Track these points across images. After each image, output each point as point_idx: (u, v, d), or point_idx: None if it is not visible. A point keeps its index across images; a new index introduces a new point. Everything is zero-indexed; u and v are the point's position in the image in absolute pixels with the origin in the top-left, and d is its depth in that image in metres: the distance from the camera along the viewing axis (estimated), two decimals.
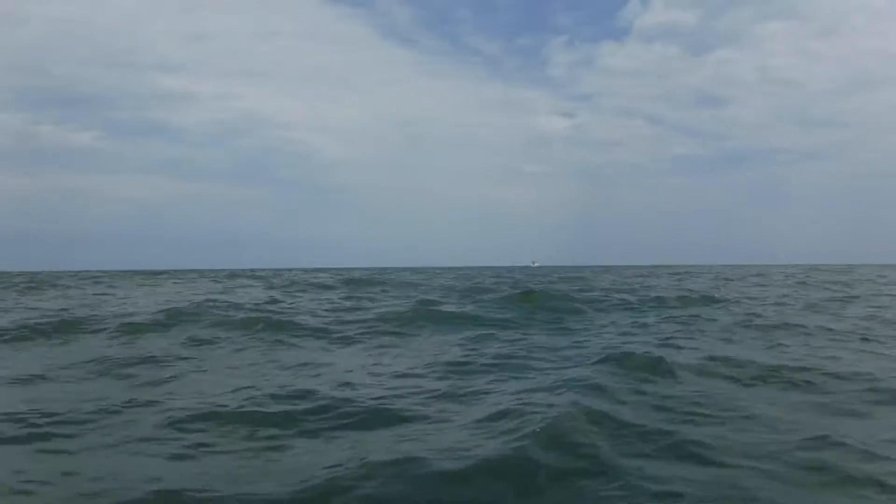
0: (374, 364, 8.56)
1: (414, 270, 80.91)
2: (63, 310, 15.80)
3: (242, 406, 5.84)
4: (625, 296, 19.87)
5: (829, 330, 11.48)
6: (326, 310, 16.54)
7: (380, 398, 6.24)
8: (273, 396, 6.21)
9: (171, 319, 12.47)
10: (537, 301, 17.02)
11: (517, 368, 7.93)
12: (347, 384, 6.95)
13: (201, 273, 63.49)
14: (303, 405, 5.85)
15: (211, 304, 15.80)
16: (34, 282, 36.61)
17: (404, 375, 7.61)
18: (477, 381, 7.11)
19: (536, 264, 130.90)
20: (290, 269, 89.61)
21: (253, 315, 13.34)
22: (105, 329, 11.52)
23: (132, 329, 11.39)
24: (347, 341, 10.74)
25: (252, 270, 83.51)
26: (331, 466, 4.15)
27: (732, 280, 36.04)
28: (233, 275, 53.52)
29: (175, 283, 36.15)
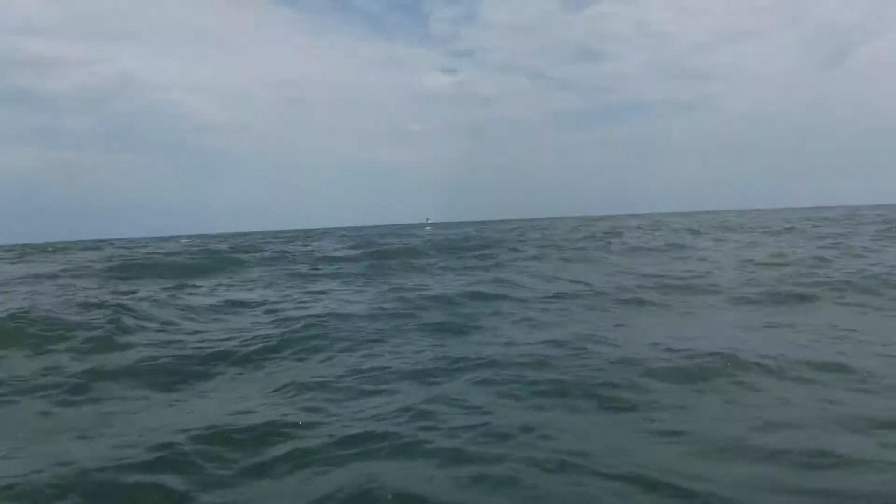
0: None
1: (294, 233, 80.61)
2: None
3: None
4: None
5: None
6: None
7: None
8: None
9: None
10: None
11: None
12: None
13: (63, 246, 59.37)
14: None
15: None
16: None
17: None
18: None
19: (430, 221, 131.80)
20: (169, 238, 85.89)
21: None
22: None
23: None
24: None
25: (114, 240, 79.26)
26: None
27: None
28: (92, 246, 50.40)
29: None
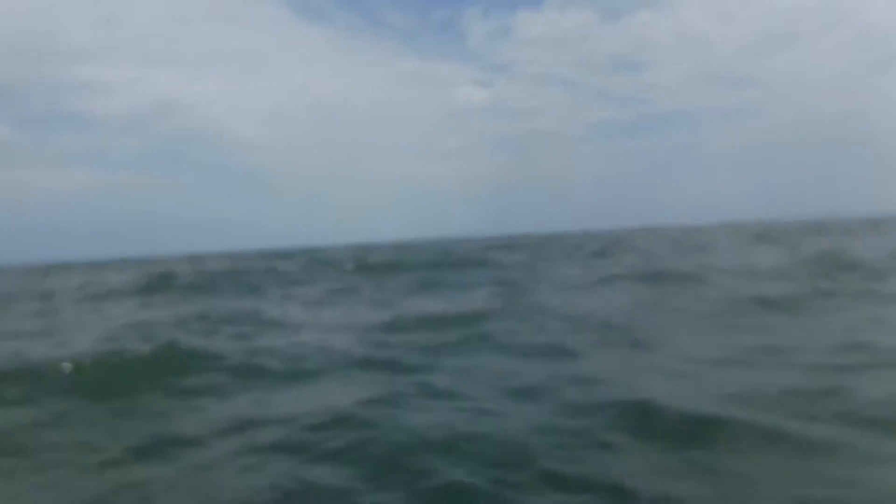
0: None
1: (331, 248, 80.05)
2: None
3: None
4: None
5: None
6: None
7: None
8: None
9: None
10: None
11: None
12: None
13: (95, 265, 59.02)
14: None
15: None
16: None
17: None
18: None
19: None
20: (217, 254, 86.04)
21: None
22: None
23: None
24: None
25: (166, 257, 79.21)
26: None
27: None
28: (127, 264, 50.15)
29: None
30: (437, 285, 17.15)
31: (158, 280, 22.43)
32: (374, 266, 25.52)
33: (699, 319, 9.64)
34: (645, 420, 4.76)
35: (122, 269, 40.52)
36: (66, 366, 7.26)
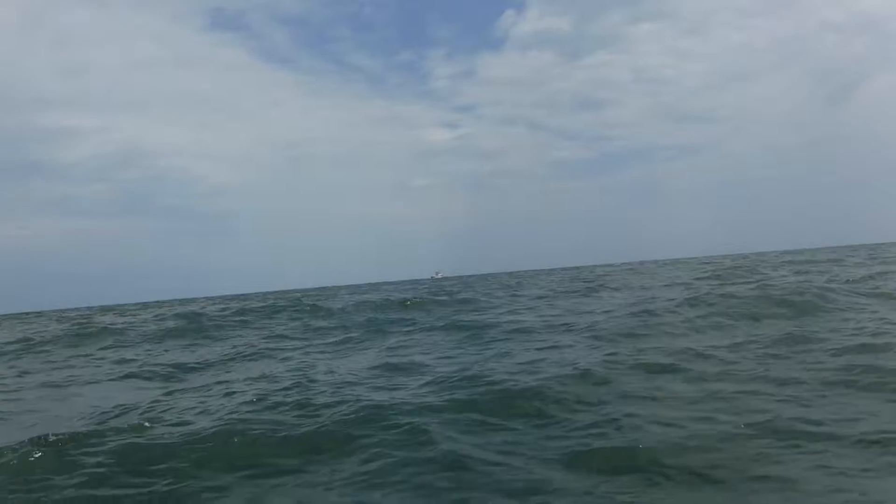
0: None
1: (304, 292, 79.01)
2: None
3: None
4: None
5: None
6: None
7: None
8: None
9: None
10: None
11: None
12: None
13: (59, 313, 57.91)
14: None
15: None
16: None
17: None
18: None
19: (440, 275, 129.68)
20: (193, 299, 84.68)
21: None
22: None
23: None
24: None
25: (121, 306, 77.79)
26: None
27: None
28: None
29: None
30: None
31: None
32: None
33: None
34: None
35: (54, 319, 38.91)
36: None
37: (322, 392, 7.65)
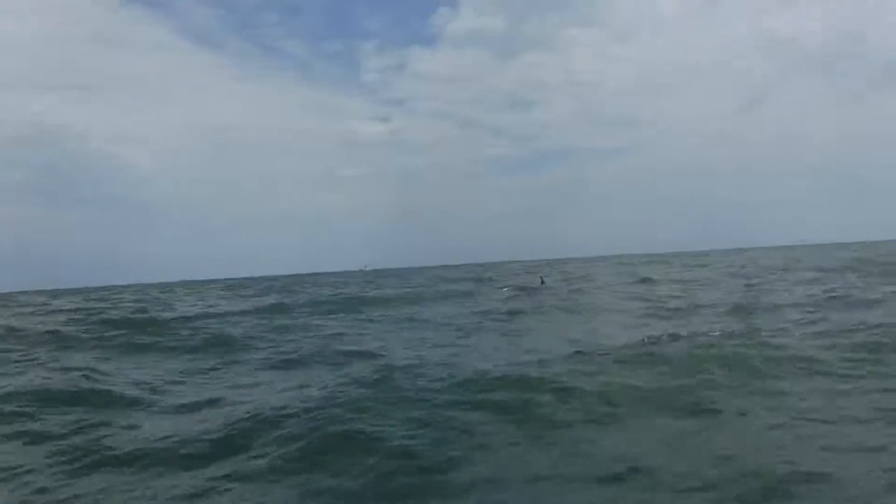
0: None
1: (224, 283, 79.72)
2: None
3: None
4: None
5: None
6: None
7: None
8: None
9: None
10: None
11: None
12: None
13: None
14: None
15: None
16: None
17: None
18: None
19: (368, 268, 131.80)
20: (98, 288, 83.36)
21: None
22: None
23: None
24: None
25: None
26: None
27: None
28: None
29: None
30: None
31: None
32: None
33: None
34: None
35: None
36: None
37: None
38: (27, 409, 8.05)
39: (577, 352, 10.28)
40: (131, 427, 7.23)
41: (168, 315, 21.65)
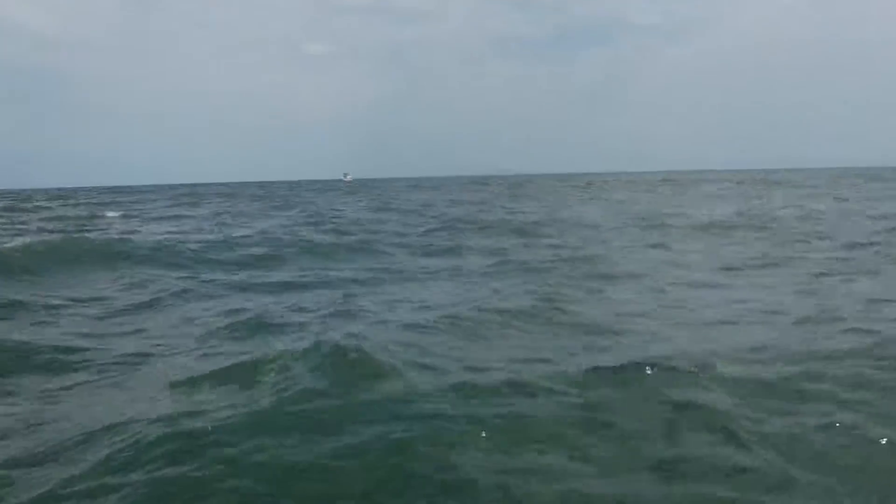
0: None
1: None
2: None
3: None
4: None
5: None
6: None
7: None
8: None
9: None
10: None
11: None
12: None
13: None
14: None
15: None
16: None
17: None
18: None
19: (349, 178, 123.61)
20: None
21: None
22: None
23: None
24: None
25: None
26: None
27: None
28: None
29: None
30: None
31: None
32: None
33: None
34: None
35: None
36: None
37: None
38: None
39: None
40: None
41: None
